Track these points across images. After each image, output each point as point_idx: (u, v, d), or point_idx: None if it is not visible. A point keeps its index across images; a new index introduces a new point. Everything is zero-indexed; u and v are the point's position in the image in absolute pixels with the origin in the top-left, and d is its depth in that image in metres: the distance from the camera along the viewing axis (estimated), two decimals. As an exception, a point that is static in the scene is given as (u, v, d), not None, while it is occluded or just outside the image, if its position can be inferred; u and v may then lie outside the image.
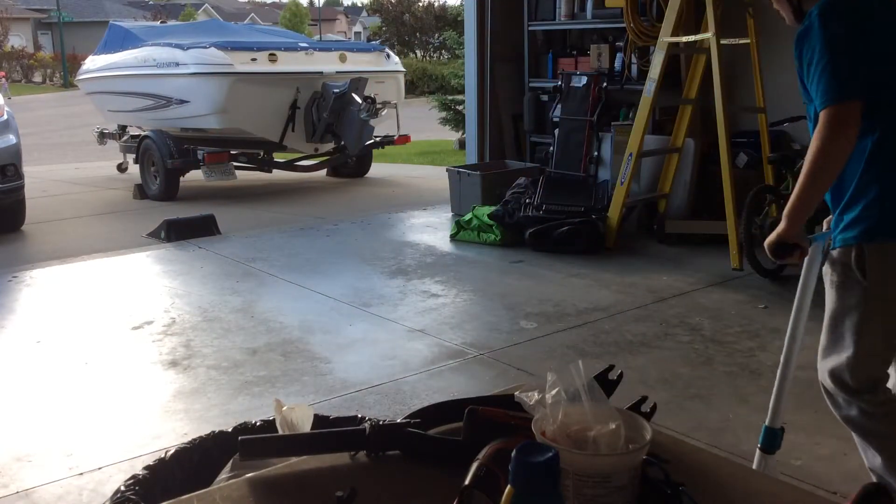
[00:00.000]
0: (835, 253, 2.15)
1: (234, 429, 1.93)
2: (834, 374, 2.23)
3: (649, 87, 5.94)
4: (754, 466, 2.48)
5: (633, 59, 6.87)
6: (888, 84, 2.11)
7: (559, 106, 7.00)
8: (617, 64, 7.00)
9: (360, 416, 1.96)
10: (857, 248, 2.12)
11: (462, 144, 12.31)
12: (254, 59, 8.93)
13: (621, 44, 6.93)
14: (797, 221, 2.16)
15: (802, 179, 2.11)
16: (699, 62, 6.27)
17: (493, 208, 6.44)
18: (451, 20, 32.77)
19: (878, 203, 2.06)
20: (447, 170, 7.55)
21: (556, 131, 7.02)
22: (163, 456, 1.85)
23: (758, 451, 2.47)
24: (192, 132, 9.47)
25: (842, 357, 2.20)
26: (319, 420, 1.71)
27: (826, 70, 2.08)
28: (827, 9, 2.13)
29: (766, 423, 2.42)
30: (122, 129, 10.88)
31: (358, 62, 9.79)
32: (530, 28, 7.73)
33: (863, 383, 2.21)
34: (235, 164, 9.14)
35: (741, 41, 5.94)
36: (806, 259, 2.26)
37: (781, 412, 2.37)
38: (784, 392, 2.36)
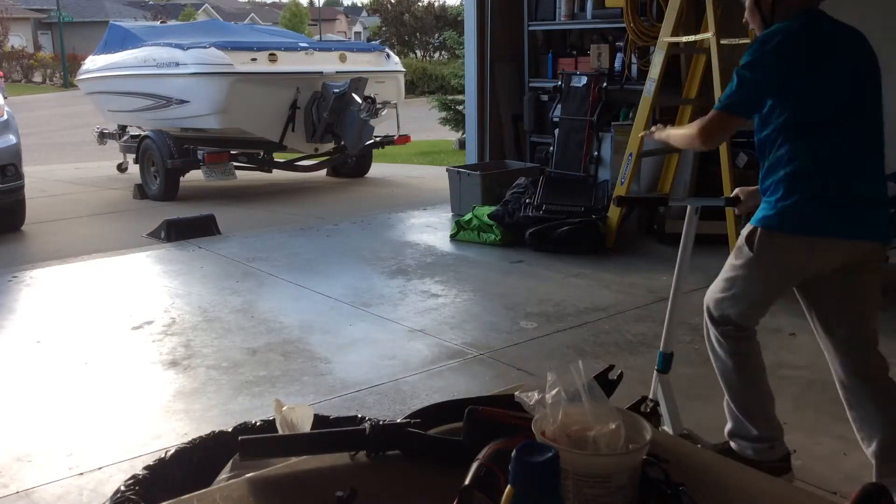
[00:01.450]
0: (748, 226, 2.65)
1: (234, 429, 1.93)
2: (708, 303, 2.79)
3: (649, 87, 5.94)
4: (652, 387, 2.94)
5: (633, 59, 6.87)
6: (809, 113, 2.48)
7: (559, 106, 7.00)
8: (617, 64, 7.00)
9: (360, 416, 1.96)
10: (754, 229, 2.60)
11: (462, 144, 12.30)
12: (254, 59, 8.93)
13: (621, 44, 6.93)
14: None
15: (676, 136, 2.86)
16: (699, 62, 6.27)
17: (493, 208, 6.44)
18: (451, 20, 32.82)
19: (779, 203, 2.50)
20: (447, 170, 7.55)
21: (556, 131, 7.02)
22: (163, 456, 1.86)
23: (655, 373, 2.94)
24: (192, 132, 9.47)
25: (715, 293, 2.76)
26: (319, 420, 1.71)
27: (736, 80, 2.57)
28: (778, 34, 2.54)
29: (661, 349, 2.92)
30: (122, 129, 10.88)
31: (358, 62, 9.78)
32: (530, 28, 7.72)
33: (721, 317, 2.71)
34: (235, 164, 9.13)
35: (741, 41, 5.93)
36: (685, 222, 2.94)
37: (671, 340, 2.91)
38: (673, 322, 2.91)
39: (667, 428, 2.84)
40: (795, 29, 2.51)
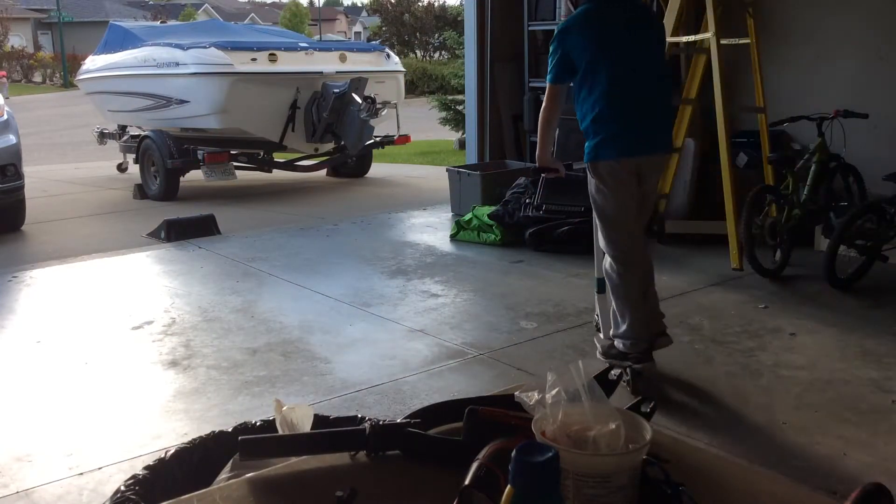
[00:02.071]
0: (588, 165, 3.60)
1: (234, 429, 1.93)
2: (599, 238, 3.71)
3: (649, 87, 5.93)
4: (596, 307, 3.90)
5: (633, 59, 6.86)
6: (593, 73, 3.46)
7: (559, 106, 7.00)
8: (617, 64, 6.99)
9: (360, 416, 1.96)
10: (589, 165, 3.55)
11: (462, 144, 12.31)
12: (254, 59, 8.93)
13: (621, 44, 6.92)
14: (544, 152, 3.78)
15: (539, 125, 3.72)
16: (699, 62, 6.26)
17: (493, 208, 6.44)
18: (451, 20, 32.82)
19: (595, 141, 3.50)
20: (447, 170, 7.55)
21: (557, 131, 7.00)
22: (163, 456, 1.85)
23: (595, 294, 3.89)
24: (192, 132, 9.47)
25: (600, 227, 3.66)
26: (319, 420, 1.71)
27: (550, 62, 3.55)
28: (566, 23, 3.60)
29: (595, 275, 3.86)
30: (122, 129, 10.88)
31: (358, 62, 9.79)
32: (530, 28, 7.73)
33: (605, 246, 3.63)
34: (235, 164, 9.14)
35: (741, 41, 5.94)
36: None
37: (599, 268, 3.76)
38: (599, 254, 3.77)
39: (601, 335, 3.80)
40: (581, 11, 3.55)
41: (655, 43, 3.66)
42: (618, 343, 3.59)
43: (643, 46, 3.58)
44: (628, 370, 3.50)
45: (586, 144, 3.55)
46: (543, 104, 3.67)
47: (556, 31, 3.55)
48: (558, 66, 3.50)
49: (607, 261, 3.63)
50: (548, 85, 3.61)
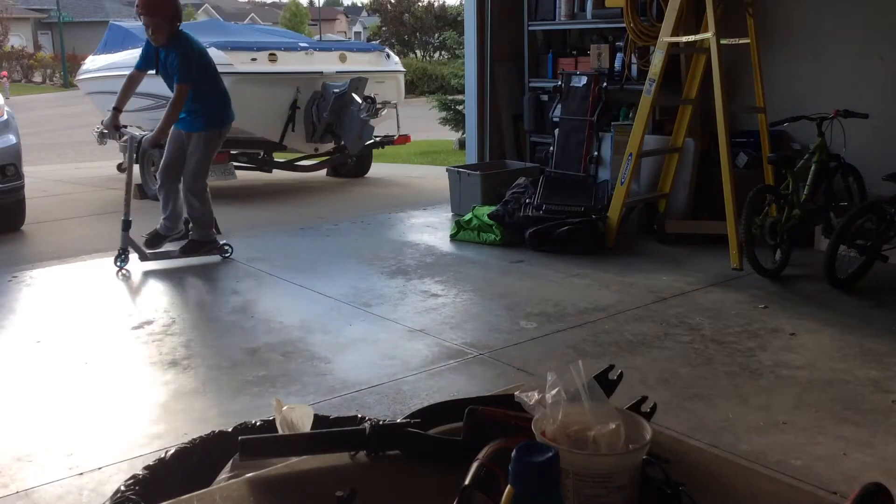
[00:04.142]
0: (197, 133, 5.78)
1: (234, 429, 1.93)
2: (189, 179, 5.84)
3: (649, 87, 5.94)
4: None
5: (633, 59, 6.86)
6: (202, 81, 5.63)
7: (559, 106, 7.00)
8: (617, 64, 7.00)
9: (360, 416, 1.95)
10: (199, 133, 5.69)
11: (462, 144, 12.31)
12: (254, 59, 8.93)
13: (621, 44, 6.93)
14: (164, 133, 5.69)
15: (168, 113, 5.58)
16: (699, 62, 6.27)
17: (493, 208, 6.44)
18: (451, 20, 32.84)
19: (203, 116, 5.66)
20: (447, 170, 7.55)
21: (556, 131, 7.02)
22: (163, 456, 1.85)
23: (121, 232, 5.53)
24: (191, 132, 9.46)
25: (194, 173, 5.78)
26: (319, 420, 1.71)
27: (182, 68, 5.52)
28: (188, 38, 5.64)
29: (122, 217, 5.77)
30: (122, 128, 10.85)
31: (358, 62, 9.78)
32: (530, 28, 7.73)
33: (199, 182, 5.82)
34: (235, 164, 9.13)
35: (741, 41, 5.94)
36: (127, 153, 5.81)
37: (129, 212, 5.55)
38: (129, 195, 5.86)
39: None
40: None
41: None
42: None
43: None
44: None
45: (197, 117, 5.81)
46: (177, 96, 5.64)
47: None
48: None
49: (191, 196, 5.86)
50: (182, 84, 5.65)
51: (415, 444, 1.30)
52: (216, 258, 6.00)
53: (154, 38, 5.57)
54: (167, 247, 6.03)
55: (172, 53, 5.60)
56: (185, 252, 5.93)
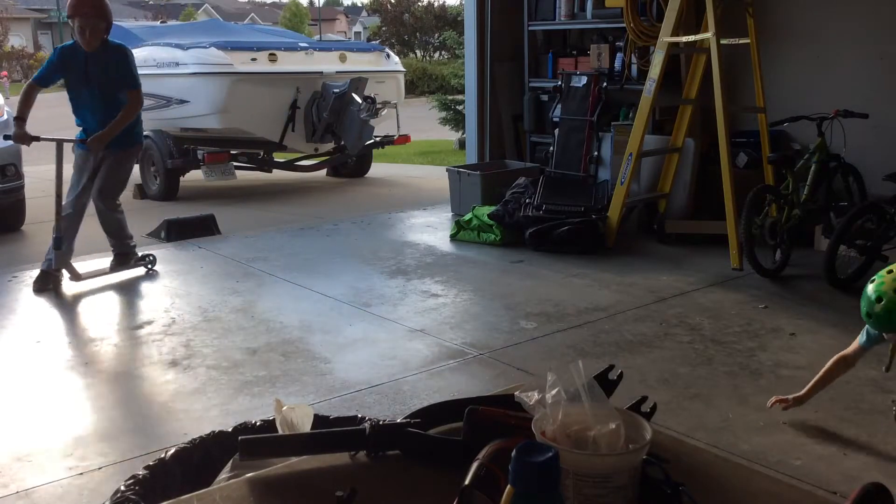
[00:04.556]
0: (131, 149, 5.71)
1: (234, 429, 1.93)
2: (107, 195, 5.65)
3: (649, 87, 5.94)
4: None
5: (633, 59, 6.86)
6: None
7: (559, 106, 7.00)
8: (617, 64, 7.00)
9: (360, 416, 1.96)
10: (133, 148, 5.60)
11: (462, 144, 12.31)
12: (254, 59, 8.93)
13: (621, 44, 6.93)
14: (111, 135, 5.48)
15: (122, 117, 5.35)
16: (699, 62, 6.27)
17: (493, 208, 6.43)
18: (451, 20, 32.84)
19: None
20: (447, 170, 7.55)
21: (556, 131, 7.01)
22: (163, 456, 1.85)
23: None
24: (192, 132, 9.47)
25: (113, 189, 5.64)
26: (319, 420, 1.71)
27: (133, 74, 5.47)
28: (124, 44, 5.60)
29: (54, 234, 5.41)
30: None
31: (358, 62, 9.79)
32: (530, 28, 7.72)
33: (116, 199, 5.59)
34: (235, 164, 9.13)
35: (741, 41, 5.94)
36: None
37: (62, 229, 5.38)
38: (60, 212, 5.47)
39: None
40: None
41: None
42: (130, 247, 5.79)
43: None
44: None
45: (129, 135, 5.58)
46: (135, 103, 5.47)
47: None
48: None
49: (109, 212, 5.65)
50: (137, 90, 5.50)
51: (415, 444, 1.30)
52: (216, 258, 5.99)
53: (89, 42, 5.33)
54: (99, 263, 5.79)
55: (112, 59, 5.40)
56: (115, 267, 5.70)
